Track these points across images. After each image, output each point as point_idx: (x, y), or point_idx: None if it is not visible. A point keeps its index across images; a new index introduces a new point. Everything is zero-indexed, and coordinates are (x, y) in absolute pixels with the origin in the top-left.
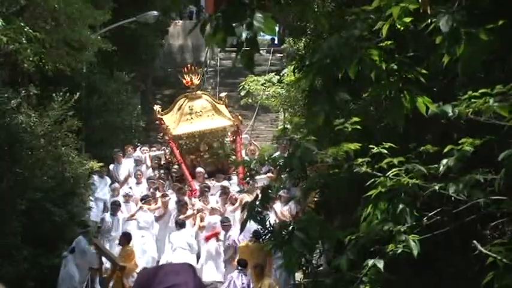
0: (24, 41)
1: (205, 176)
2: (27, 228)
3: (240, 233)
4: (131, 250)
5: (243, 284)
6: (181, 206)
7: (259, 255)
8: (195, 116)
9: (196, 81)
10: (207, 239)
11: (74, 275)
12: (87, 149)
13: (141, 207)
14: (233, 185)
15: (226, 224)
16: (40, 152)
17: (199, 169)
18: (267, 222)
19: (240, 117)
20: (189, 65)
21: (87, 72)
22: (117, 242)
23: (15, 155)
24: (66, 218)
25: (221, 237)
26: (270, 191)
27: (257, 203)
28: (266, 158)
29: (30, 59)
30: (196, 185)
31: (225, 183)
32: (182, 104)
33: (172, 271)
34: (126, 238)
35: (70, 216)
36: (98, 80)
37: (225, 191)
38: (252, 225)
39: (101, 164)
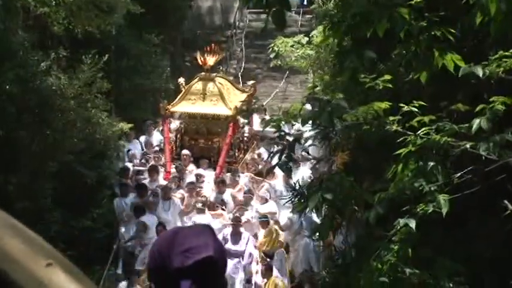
0: (54, 3)
1: (191, 159)
2: (58, 190)
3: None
4: None
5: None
6: (140, 189)
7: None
8: (199, 98)
9: (210, 62)
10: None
11: None
12: (117, 111)
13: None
14: (209, 176)
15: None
16: (70, 114)
17: (185, 151)
18: (296, 184)
19: (237, 109)
20: (213, 45)
21: (116, 35)
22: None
23: (46, 117)
24: (96, 181)
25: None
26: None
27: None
28: (292, 115)
29: (60, 21)
30: (173, 168)
31: (200, 170)
32: (194, 84)
33: (192, 233)
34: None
35: (100, 179)
36: (127, 42)
37: (197, 179)
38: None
39: (130, 125)
